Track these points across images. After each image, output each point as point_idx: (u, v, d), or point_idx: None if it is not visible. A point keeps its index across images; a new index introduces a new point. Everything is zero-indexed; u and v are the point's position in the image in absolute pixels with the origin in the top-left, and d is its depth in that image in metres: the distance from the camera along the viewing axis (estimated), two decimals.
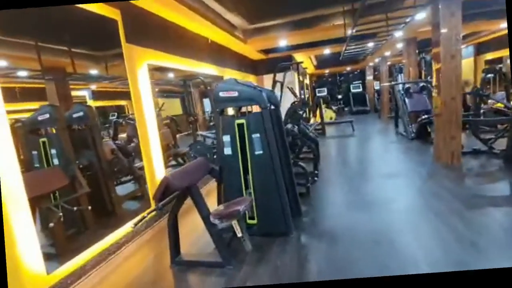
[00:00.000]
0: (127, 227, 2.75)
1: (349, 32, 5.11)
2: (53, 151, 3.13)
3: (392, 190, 3.48)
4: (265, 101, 2.43)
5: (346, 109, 15.19)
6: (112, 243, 2.59)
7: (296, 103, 4.49)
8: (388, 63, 12.83)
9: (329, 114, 11.18)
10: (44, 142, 3.14)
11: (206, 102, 7.51)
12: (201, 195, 2.16)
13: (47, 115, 3.10)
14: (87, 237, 2.76)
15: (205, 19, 4.12)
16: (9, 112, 4.15)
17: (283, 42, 6.22)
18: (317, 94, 15.51)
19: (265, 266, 2.15)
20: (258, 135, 2.43)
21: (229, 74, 6.03)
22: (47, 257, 2.24)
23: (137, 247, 2.73)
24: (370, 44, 7.64)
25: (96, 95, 8.82)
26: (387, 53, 10.08)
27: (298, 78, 7.93)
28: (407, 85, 6.86)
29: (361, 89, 14.63)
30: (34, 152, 3.20)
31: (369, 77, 14.13)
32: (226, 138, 2.50)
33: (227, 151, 2.52)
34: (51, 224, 2.44)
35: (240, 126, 2.48)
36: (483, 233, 2.27)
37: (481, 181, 3.51)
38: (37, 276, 1.86)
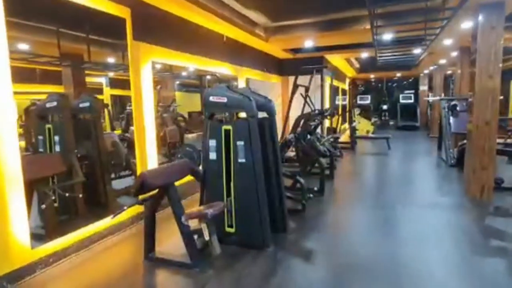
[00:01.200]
0: (113, 219, 3.27)
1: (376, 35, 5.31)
2: (56, 138, 3.80)
3: (394, 220, 3.64)
4: (253, 109, 2.81)
5: (391, 122, 14.96)
6: (96, 232, 3.12)
7: (311, 112, 4.80)
8: (449, 71, 12.53)
9: (365, 127, 11.19)
10: (49, 129, 3.83)
11: None
12: (177, 195, 2.60)
13: (55, 103, 3.77)
14: (75, 223, 3.32)
15: (219, 17, 4.64)
16: (29, 93, 5.00)
17: (309, 42, 6.55)
18: (358, 102, 15.51)
19: (230, 273, 2.52)
20: (242, 143, 2.82)
21: (247, 74, 6.51)
22: (35, 235, 2.84)
23: (121, 239, 3.23)
24: (417, 51, 7.67)
25: (113, 83, 9.81)
26: (443, 61, 9.91)
27: (318, 84, 8.17)
28: (454, 102, 6.80)
29: (412, 100, 14.34)
30: (40, 137, 3.90)
31: (423, 87, 13.83)
32: (212, 143, 2.93)
33: (212, 155, 2.94)
34: (43, 206, 3.03)
35: (227, 132, 2.88)
36: None
37: (505, 223, 3.54)
38: (22, 248, 2.42)
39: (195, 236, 2.63)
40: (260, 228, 2.88)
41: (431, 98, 10.90)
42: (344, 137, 9.90)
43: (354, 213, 3.92)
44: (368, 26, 5.49)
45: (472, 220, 3.58)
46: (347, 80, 14.26)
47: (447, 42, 6.53)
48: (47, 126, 3.83)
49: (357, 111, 12.15)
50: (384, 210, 3.97)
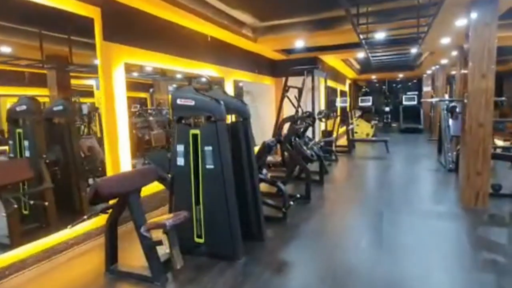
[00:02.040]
0: (81, 227, 3.18)
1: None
2: (26, 143, 3.73)
3: (381, 229, 3.50)
4: (221, 112, 2.71)
5: (394, 125, 14.77)
6: (60, 242, 3.03)
7: (295, 115, 4.68)
8: (453, 72, 12.33)
9: (364, 129, 11.03)
10: (19, 133, 3.76)
11: None
12: (139, 204, 2.49)
13: (24, 107, 3.71)
14: (43, 231, 3.23)
15: (201, 17, 4.56)
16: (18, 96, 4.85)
17: (300, 42, 6.45)
18: (360, 104, 15.37)
19: (193, 287, 2.41)
20: (210, 148, 2.71)
21: (235, 75, 6.42)
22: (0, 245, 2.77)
23: (87, 249, 3.14)
24: (413, 50, 7.53)
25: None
26: (444, 61, 9.75)
27: (310, 85, 8.05)
28: (453, 103, 6.64)
29: (415, 102, 14.14)
30: (11, 142, 3.84)
31: (426, 88, 13.64)
32: (180, 148, 2.83)
33: (180, 161, 2.84)
34: (3, 214, 2.95)
35: (195, 136, 2.79)
36: None
37: (498, 234, 3.38)
38: None
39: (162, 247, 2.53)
40: (230, 238, 2.76)
41: (429, 100, 10.73)
42: (343, 140, 9.74)
43: (340, 221, 3.78)
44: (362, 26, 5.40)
45: (463, 230, 3.43)
46: (347, 82, 14.13)
47: (445, 41, 6.39)
48: (18, 130, 3.77)
49: (357, 113, 12.00)
50: (371, 218, 3.83)
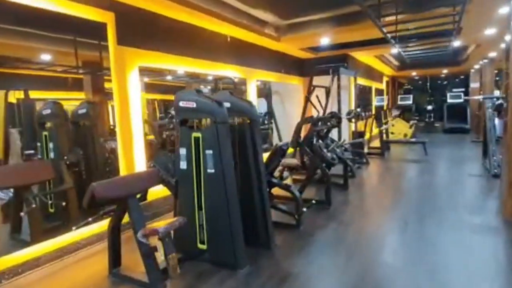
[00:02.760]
0: (92, 228, 3.26)
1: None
2: (51, 145, 3.92)
3: (406, 243, 3.18)
4: (222, 115, 2.61)
5: (437, 124, 13.73)
6: (73, 242, 3.12)
7: (313, 116, 4.44)
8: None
9: (402, 130, 10.34)
10: (46, 136, 3.96)
11: None
12: (138, 208, 2.47)
13: (49, 111, 3.90)
14: (61, 230, 3.36)
15: (220, 19, 4.51)
16: (62, 99, 5.16)
17: (325, 39, 6.16)
18: (399, 102, 14.54)
19: None
20: (211, 151, 2.62)
21: (259, 76, 6.30)
22: (22, 242, 2.93)
23: (98, 250, 3.20)
24: (454, 44, 6.88)
25: (149, 88, 10.14)
26: (493, 54, 8.83)
27: (342, 84, 7.64)
28: (499, 101, 5.95)
29: (461, 100, 13.00)
30: (39, 144, 4.06)
31: (474, 85, 12.49)
32: (182, 151, 2.77)
33: (183, 165, 2.78)
34: (22, 214, 3.10)
35: (197, 139, 2.71)
36: None
37: None
38: None
39: None
40: (232, 245, 2.65)
41: (475, 97, 9.78)
42: (377, 142, 9.20)
43: (360, 231, 3.50)
44: (389, 18, 5.02)
45: (501, 247, 3.00)
46: (384, 79, 13.38)
47: (490, 31, 5.74)
48: (44, 133, 3.97)
49: (394, 112, 11.31)
50: (397, 229, 3.51)
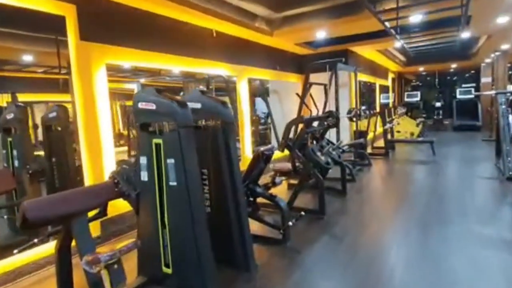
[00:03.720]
0: (41, 250, 2.91)
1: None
2: (15, 153, 3.59)
3: (406, 258, 2.76)
4: (184, 117, 2.23)
5: (446, 122, 13.15)
6: (29, 262, 2.77)
7: (303, 116, 4.02)
8: None
9: (408, 128, 9.82)
10: (10, 142, 3.64)
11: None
12: (84, 229, 2.11)
13: (12, 115, 3.57)
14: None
15: (200, 11, 4.13)
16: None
17: (321, 33, 5.74)
18: (406, 99, 14.01)
19: None
20: (173, 160, 2.24)
21: (251, 73, 5.91)
22: None
23: (44, 277, 2.84)
24: (465, 34, 6.38)
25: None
26: (506, 46, 8.27)
27: (342, 81, 7.18)
28: None
29: (471, 96, 12.39)
30: (4, 151, 3.75)
31: (485, 79, 11.88)
32: (143, 160, 2.40)
33: (144, 176, 2.41)
34: None
35: (158, 146, 2.34)
36: None
37: None
38: None
39: None
40: (199, 269, 2.27)
41: (486, 92, 9.23)
42: (381, 142, 8.72)
43: (356, 246, 3.08)
44: (388, 6, 4.58)
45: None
46: (390, 76, 12.85)
47: (502, 20, 5.24)
48: (9, 139, 3.65)
49: (399, 109, 10.81)
50: (398, 244, 3.08)
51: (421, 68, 13.88)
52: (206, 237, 2.30)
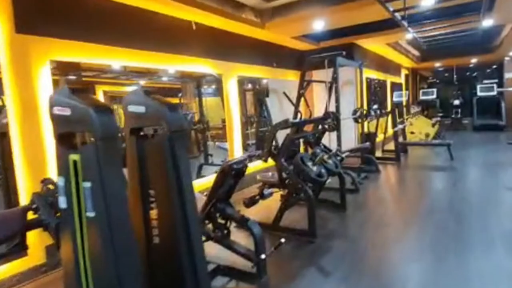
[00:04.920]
0: None
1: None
2: None
3: None
4: (105, 127, 1.67)
5: (465, 121, 12.22)
6: None
7: (288, 120, 3.41)
8: None
9: (423, 128, 9.03)
10: None
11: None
12: None
13: None
14: None
15: (178, 1, 3.60)
16: None
17: (319, 24, 5.11)
18: (421, 98, 13.16)
19: None
20: (89, 184, 1.70)
21: (241, 71, 5.34)
22: None
23: None
24: (487, 22, 5.62)
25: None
26: None
27: (348, 79, 6.49)
28: None
29: (494, 93, 11.44)
30: None
31: (509, 75, 10.91)
32: (60, 181, 1.86)
33: (62, 202, 1.87)
34: None
35: (75, 164, 1.79)
36: None
37: None
38: None
39: None
40: None
41: (506, 89, 8.38)
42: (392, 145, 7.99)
43: (349, 283, 2.47)
44: None
45: None
46: (403, 72, 12.03)
47: None
48: None
49: (413, 108, 10.02)
50: (402, 282, 2.45)
51: (437, 64, 12.98)
52: (136, 282, 1.75)
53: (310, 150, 4.10)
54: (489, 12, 5.07)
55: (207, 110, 9.04)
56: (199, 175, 5.50)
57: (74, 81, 5.13)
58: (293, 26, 5.17)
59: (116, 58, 3.47)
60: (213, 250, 2.68)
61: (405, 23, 4.17)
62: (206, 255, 2.80)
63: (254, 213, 3.88)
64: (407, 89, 12.87)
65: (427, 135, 8.96)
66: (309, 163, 3.37)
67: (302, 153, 3.46)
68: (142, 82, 9.32)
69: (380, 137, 7.73)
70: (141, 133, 2.18)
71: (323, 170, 3.43)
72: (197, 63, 4.46)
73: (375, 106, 10.60)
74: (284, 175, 3.45)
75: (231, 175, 2.48)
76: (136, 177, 2.16)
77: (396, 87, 11.67)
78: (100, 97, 7.91)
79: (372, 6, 4.10)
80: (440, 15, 4.94)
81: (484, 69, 14.39)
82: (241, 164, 2.54)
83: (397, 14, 4.02)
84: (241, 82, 9.39)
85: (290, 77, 6.91)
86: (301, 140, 4.18)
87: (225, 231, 2.64)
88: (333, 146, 5.67)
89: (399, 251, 2.93)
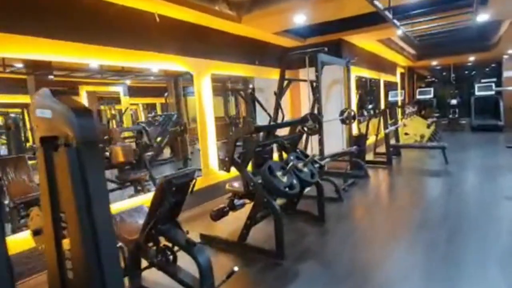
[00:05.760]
0: None
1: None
2: None
3: None
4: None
5: (463, 121, 11.80)
6: None
7: (250, 124, 2.97)
8: None
9: (418, 129, 8.61)
10: None
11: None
12: None
13: None
14: None
15: None
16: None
17: (300, 18, 4.69)
18: (418, 97, 12.76)
19: None
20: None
21: (217, 68, 4.92)
22: None
23: None
24: (482, 17, 5.20)
25: (132, 92, 9.03)
26: None
27: (337, 78, 6.07)
28: None
29: (492, 92, 11.02)
30: None
31: (508, 74, 10.50)
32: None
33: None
34: None
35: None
36: None
37: None
38: None
39: None
40: None
41: (505, 88, 7.98)
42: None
43: None
44: None
45: None
46: (398, 71, 11.61)
47: None
48: None
49: (408, 108, 9.60)
50: None
51: (434, 62, 12.55)
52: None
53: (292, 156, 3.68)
54: (483, 6, 4.66)
55: (190, 111, 8.63)
56: None
57: (50, 80, 4.78)
58: (272, 20, 4.75)
59: (63, 54, 3.05)
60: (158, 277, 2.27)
61: (389, 14, 3.74)
62: (148, 283, 2.39)
63: (222, 227, 3.48)
64: (403, 88, 12.45)
65: (422, 137, 8.54)
66: (279, 173, 2.95)
67: (272, 161, 3.04)
68: (128, 81, 8.91)
69: (372, 139, 7.32)
70: (52, 143, 1.76)
71: (295, 181, 3.01)
72: (166, 60, 4.04)
73: (370, 106, 10.22)
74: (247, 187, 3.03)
75: (171, 192, 2.06)
76: (46, 197, 1.73)
77: (391, 86, 11.26)
78: (83, 98, 7.51)
79: None
80: (430, 9, 4.51)
81: (483, 67, 13.98)
82: (184, 179, 2.12)
83: (379, 4, 3.59)
84: (224, 80, 8.99)
85: (275, 76, 6.47)
86: (275, 146, 3.76)
87: (170, 256, 2.23)
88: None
89: (383, 275, 2.51)
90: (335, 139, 6.08)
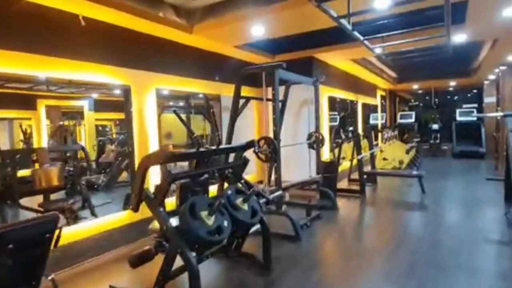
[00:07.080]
0: None
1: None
2: None
3: None
4: None
5: (444, 147, 11.52)
6: None
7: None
8: None
9: (397, 155, 8.19)
10: None
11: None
12: None
13: None
14: None
15: None
16: None
17: (259, 29, 4.23)
18: (399, 121, 12.51)
19: None
20: None
21: (167, 83, 4.37)
22: None
23: None
24: (459, 38, 4.87)
25: (101, 106, 8.21)
26: None
27: (307, 97, 5.60)
28: None
29: (474, 118, 10.82)
30: None
31: (489, 100, 10.31)
32: None
33: None
34: None
35: None
36: None
37: None
38: None
39: None
40: None
41: (490, 114, 7.71)
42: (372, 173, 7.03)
43: None
44: None
45: None
46: (379, 93, 11.34)
47: (509, 12, 3.72)
48: None
49: (386, 133, 9.22)
50: None
51: (415, 86, 12.37)
52: None
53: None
54: (461, 25, 4.31)
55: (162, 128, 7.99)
56: (125, 207, 4.34)
57: None
58: (228, 30, 4.27)
59: None
60: None
61: (348, 26, 3.29)
62: None
63: (146, 274, 2.78)
64: (383, 111, 12.18)
65: (401, 162, 8.11)
66: (204, 213, 2.35)
67: (198, 197, 2.44)
68: (95, 95, 8.24)
69: (346, 165, 6.83)
70: None
71: (226, 223, 2.42)
72: (92, 70, 3.46)
73: (351, 128, 9.81)
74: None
75: (7, 251, 1.43)
76: None
77: (373, 109, 10.95)
78: (41, 112, 6.78)
79: (308, 7, 3.24)
80: (403, 31, 4.09)
81: (465, 93, 13.94)
82: (34, 231, 1.50)
83: (344, 21, 3.15)
84: (186, 97, 8.44)
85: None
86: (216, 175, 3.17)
87: None
88: (289, 177, 4.70)
89: None
90: (304, 166, 5.53)
